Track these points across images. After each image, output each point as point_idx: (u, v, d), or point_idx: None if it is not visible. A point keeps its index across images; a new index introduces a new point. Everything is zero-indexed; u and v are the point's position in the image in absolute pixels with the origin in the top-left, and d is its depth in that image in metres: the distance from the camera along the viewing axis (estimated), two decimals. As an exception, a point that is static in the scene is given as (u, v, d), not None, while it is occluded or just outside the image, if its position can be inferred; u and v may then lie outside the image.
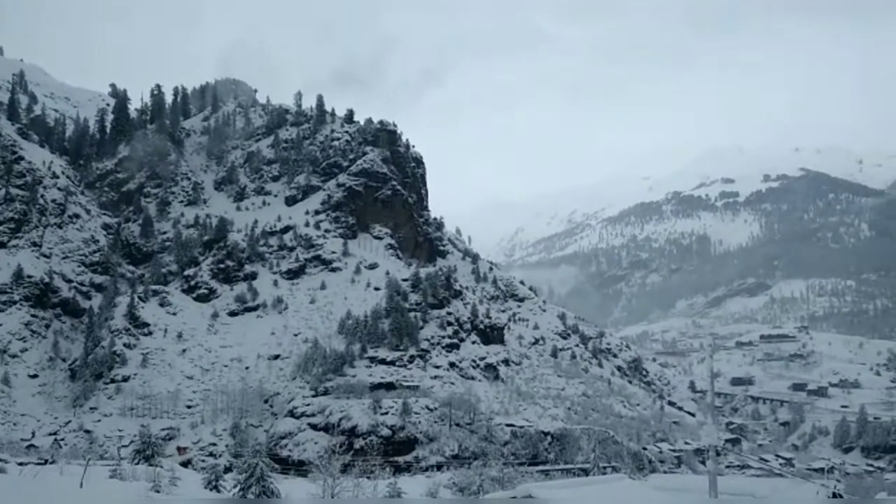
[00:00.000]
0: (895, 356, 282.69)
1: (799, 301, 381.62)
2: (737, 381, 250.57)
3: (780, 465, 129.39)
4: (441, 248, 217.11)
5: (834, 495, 50.68)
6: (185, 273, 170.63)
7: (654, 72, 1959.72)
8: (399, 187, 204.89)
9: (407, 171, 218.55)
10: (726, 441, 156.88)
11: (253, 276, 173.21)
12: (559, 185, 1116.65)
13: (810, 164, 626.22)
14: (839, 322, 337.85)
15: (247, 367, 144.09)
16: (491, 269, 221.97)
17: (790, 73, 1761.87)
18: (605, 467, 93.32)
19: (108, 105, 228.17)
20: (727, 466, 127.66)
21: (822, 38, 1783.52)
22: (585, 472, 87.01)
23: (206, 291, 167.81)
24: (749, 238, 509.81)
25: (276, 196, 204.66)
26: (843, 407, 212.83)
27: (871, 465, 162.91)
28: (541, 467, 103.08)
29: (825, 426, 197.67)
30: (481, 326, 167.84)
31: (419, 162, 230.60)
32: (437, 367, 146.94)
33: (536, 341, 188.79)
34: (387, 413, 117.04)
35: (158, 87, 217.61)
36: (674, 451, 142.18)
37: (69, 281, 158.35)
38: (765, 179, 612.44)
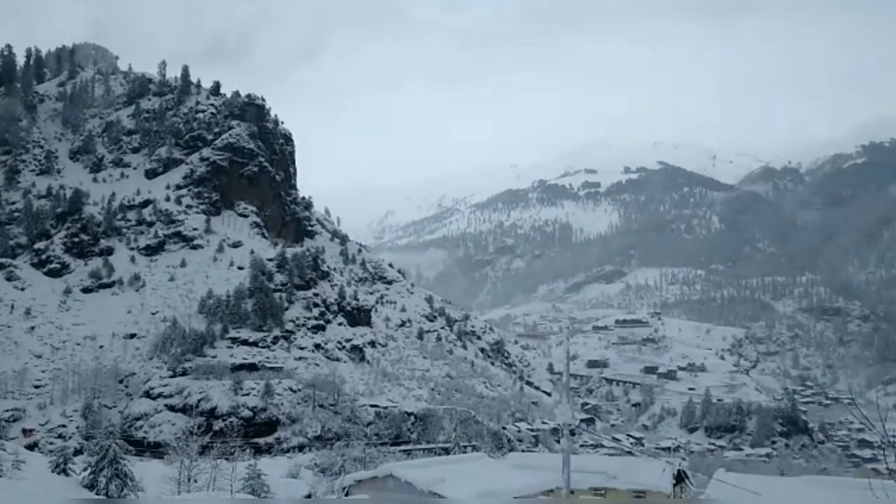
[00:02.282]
0: (738, 342, 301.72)
1: (653, 288, 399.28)
2: (592, 364, 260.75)
3: (631, 444, 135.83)
4: (309, 228, 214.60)
5: (678, 472, 53.78)
6: (36, 246, 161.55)
7: (525, 65, 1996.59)
8: (266, 164, 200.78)
9: (275, 147, 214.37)
10: (581, 421, 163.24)
11: (109, 251, 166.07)
12: (430, 170, 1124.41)
13: (668, 158, 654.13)
14: (689, 309, 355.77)
15: (101, 346, 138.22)
16: (360, 251, 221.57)
17: (652, 70, 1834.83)
18: (465, 446, 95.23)
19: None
20: (581, 445, 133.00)
21: (683, 40, 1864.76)
22: (447, 452, 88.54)
23: (58, 266, 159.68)
24: (608, 227, 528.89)
25: (135, 168, 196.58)
26: (690, 389, 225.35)
27: (714, 444, 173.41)
28: (403, 447, 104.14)
29: (673, 407, 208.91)
30: (348, 308, 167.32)
31: (288, 139, 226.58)
32: (302, 348, 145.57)
33: (403, 323, 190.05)
34: (248, 394, 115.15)
35: (9, 47, 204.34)
36: (532, 430, 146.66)
37: None
38: (625, 171, 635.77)
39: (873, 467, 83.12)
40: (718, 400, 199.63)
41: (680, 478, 55.01)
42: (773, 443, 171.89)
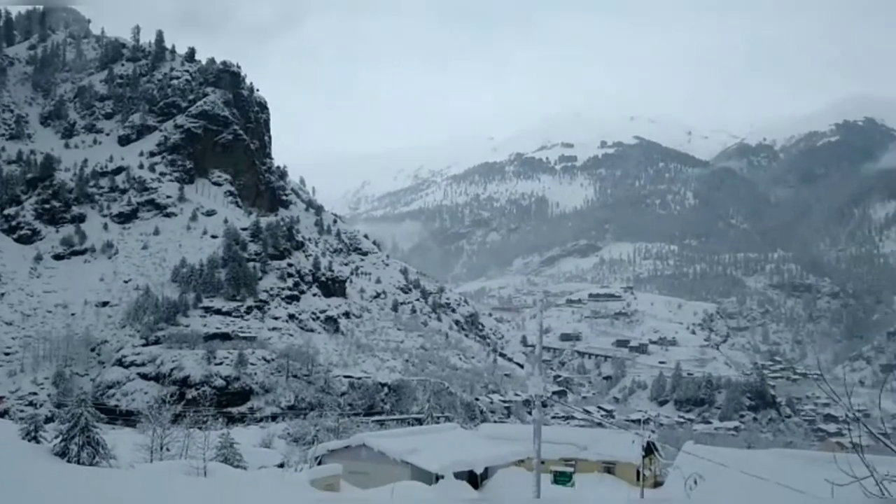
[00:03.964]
0: (710, 317, 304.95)
1: (626, 263, 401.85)
2: (565, 337, 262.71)
3: (602, 416, 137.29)
4: (284, 197, 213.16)
5: (648, 444, 54.48)
6: (6, 212, 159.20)
7: (503, 38, 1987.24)
8: (241, 132, 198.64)
9: (250, 115, 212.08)
10: (553, 393, 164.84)
11: (81, 218, 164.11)
12: (407, 141, 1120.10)
13: (644, 133, 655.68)
14: (661, 284, 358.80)
15: (73, 314, 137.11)
16: (335, 221, 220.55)
17: (630, 45, 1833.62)
18: (438, 417, 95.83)
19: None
20: (553, 417, 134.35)
21: (661, 16, 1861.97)
22: (420, 422, 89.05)
23: (28, 233, 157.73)
24: (584, 201, 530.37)
25: (108, 135, 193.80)
26: (660, 363, 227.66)
27: (683, 417, 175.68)
28: (377, 417, 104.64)
29: (644, 380, 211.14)
30: (323, 279, 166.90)
31: (263, 107, 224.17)
32: (276, 318, 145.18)
33: (378, 295, 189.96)
34: (221, 364, 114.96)
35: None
36: (504, 401, 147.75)
37: None
38: (601, 146, 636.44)
39: (838, 441, 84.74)
40: (688, 374, 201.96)
41: (649, 450, 55.75)
42: (742, 416, 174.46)
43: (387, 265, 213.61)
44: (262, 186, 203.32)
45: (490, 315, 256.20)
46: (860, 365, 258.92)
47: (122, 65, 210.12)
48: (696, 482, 17.33)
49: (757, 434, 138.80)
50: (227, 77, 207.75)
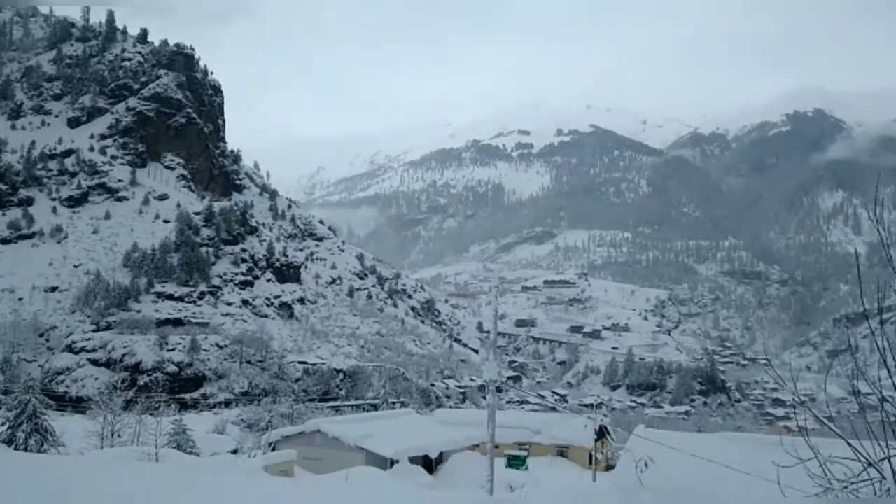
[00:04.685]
0: (662, 303, 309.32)
1: (581, 250, 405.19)
2: (521, 323, 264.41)
3: (556, 400, 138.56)
4: (238, 182, 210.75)
5: (600, 428, 55.22)
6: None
7: (460, 23, 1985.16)
8: (194, 115, 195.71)
9: (203, 99, 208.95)
10: (508, 378, 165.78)
11: (29, 201, 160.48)
12: (364, 126, 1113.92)
13: (600, 122, 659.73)
14: (615, 271, 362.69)
15: (20, 299, 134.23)
16: (290, 206, 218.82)
17: (587, 33, 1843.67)
18: (394, 403, 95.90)
19: None
20: (508, 402, 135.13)
21: (617, 4, 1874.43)
22: (375, 408, 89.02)
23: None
24: (540, 188, 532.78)
25: (57, 116, 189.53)
26: (613, 348, 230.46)
27: (635, 402, 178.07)
28: (331, 403, 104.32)
29: (597, 366, 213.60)
30: (277, 264, 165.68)
31: (217, 90, 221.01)
32: (230, 304, 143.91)
33: (333, 281, 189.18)
34: (174, 349, 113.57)
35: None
36: (460, 387, 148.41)
37: None
38: (558, 133, 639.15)
39: (785, 425, 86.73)
40: (640, 359, 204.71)
41: (601, 433, 56.58)
42: (692, 401, 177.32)
43: (342, 251, 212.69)
44: (215, 171, 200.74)
45: (446, 301, 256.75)
46: (807, 351, 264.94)
47: (72, 45, 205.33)
48: (646, 465, 17.56)
49: (707, 418, 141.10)
50: (181, 59, 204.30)
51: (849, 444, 5.79)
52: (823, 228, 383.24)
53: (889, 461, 5.44)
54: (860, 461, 5.65)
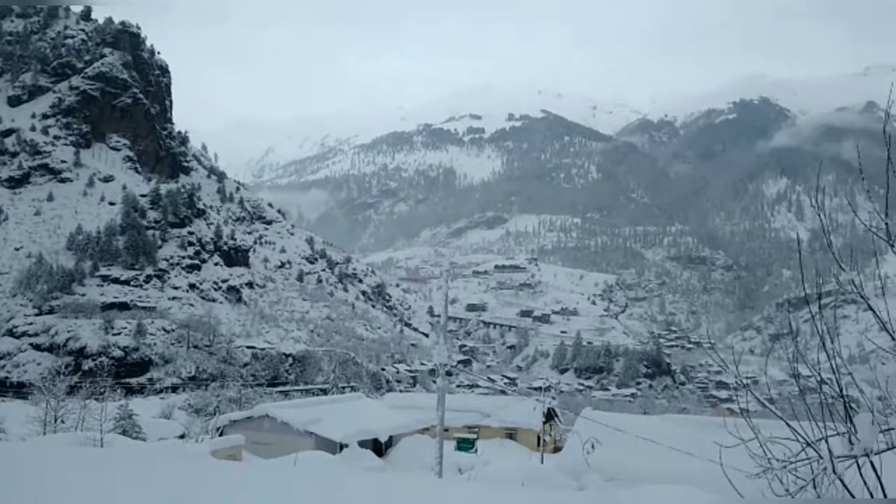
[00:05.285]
0: (610, 288, 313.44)
1: (531, 235, 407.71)
2: (471, 308, 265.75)
3: (505, 384, 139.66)
4: (185, 163, 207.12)
5: (548, 410, 55.84)
6: None
7: (411, 6, 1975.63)
8: (140, 96, 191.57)
9: (150, 79, 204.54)
10: (459, 362, 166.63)
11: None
12: (314, 108, 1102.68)
13: (551, 107, 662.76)
14: (565, 256, 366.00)
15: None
16: (238, 189, 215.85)
17: (538, 18, 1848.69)
18: (343, 387, 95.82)
19: None
20: (458, 386, 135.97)
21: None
22: (325, 392, 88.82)
23: None
24: (491, 173, 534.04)
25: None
26: (562, 332, 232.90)
27: (583, 385, 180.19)
28: (280, 388, 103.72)
29: (546, 349, 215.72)
30: (225, 248, 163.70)
31: (164, 70, 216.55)
32: (176, 288, 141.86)
33: (283, 265, 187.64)
34: (119, 334, 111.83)
35: None
36: (410, 371, 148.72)
37: None
38: (509, 118, 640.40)
39: (728, 407, 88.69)
40: (588, 343, 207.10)
41: (550, 416, 57.30)
42: (638, 384, 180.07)
43: (292, 234, 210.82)
44: (162, 152, 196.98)
45: (397, 286, 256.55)
46: (751, 334, 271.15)
47: (12, 21, 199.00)
48: (593, 447, 17.84)
49: (652, 400, 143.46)
50: (126, 38, 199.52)
51: (788, 425, 5.95)
52: (767, 215, 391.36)
53: (826, 441, 5.60)
54: (799, 441, 5.80)
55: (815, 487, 5.49)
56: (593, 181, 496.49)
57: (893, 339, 5.68)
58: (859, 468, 5.52)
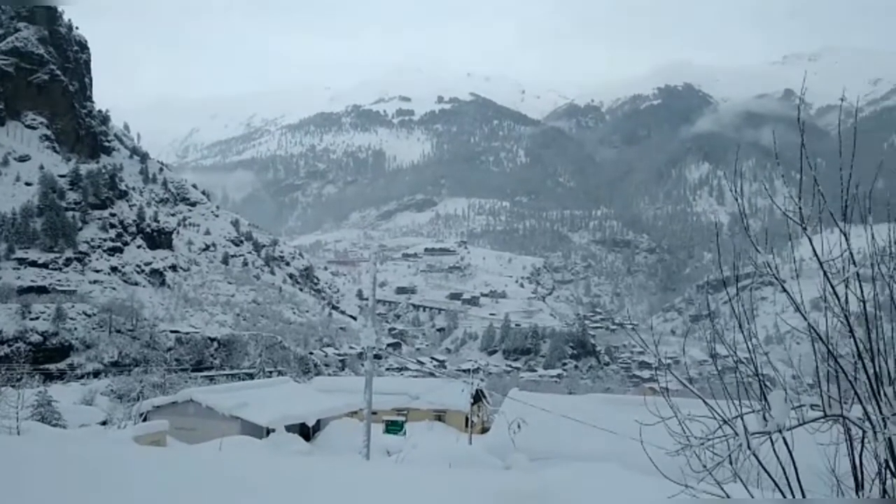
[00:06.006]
0: (537, 271, 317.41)
1: (461, 218, 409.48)
2: (401, 290, 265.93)
3: (434, 366, 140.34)
4: (106, 143, 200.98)
5: (477, 392, 56.35)
6: None
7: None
8: (58, 72, 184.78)
9: (68, 55, 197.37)
10: (388, 345, 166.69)
11: None
12: (239, 87, 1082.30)
13: (480, 91, 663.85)
14: (493, 239, 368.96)
15: None
16: (161, 169, 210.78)
17: (469, 3, 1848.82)
18: (270, 371, 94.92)
19: None
20: (387, 369, 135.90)
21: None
22: (251, 377, 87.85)
23: None
24: (421, 156, 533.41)
25: None
26: (491, 315, 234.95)
27: (510, 366, 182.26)
28: (206, 373, 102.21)
29: (475, 332, 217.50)
30: (148, 230, 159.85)
31: (83, 46, 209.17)
32: (98, 271, 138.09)
33: (207, 247, 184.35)
34: (38, 318, 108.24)
35: None
36: (339, 355, 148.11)
37: None
38: (438, 101, 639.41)
39: (651, 386, 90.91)
40: (516, 325, 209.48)
41: (478, 397, 57.83)
42: (564, 365, 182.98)
43: (217, 216, 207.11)
44: (81, 131, 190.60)
45: (326, 269, 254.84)
46: (672, 316, 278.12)
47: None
48: (519, 426, 18.11)
49: (578, 381, 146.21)
50: (42, 12, 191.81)
51: (706, 403, 6.12)
52: (690, 199, 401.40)
53: (742, 418, 5.78)
54: (716, 419, 5.98)
55: (731, 463, 5.66)
56: (522, 165, 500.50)
57: (806, 319, 5.89)
58: (773, 444, 5.72)
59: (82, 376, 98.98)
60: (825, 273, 5.82)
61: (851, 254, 5.86)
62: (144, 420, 38.84)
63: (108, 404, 62.26)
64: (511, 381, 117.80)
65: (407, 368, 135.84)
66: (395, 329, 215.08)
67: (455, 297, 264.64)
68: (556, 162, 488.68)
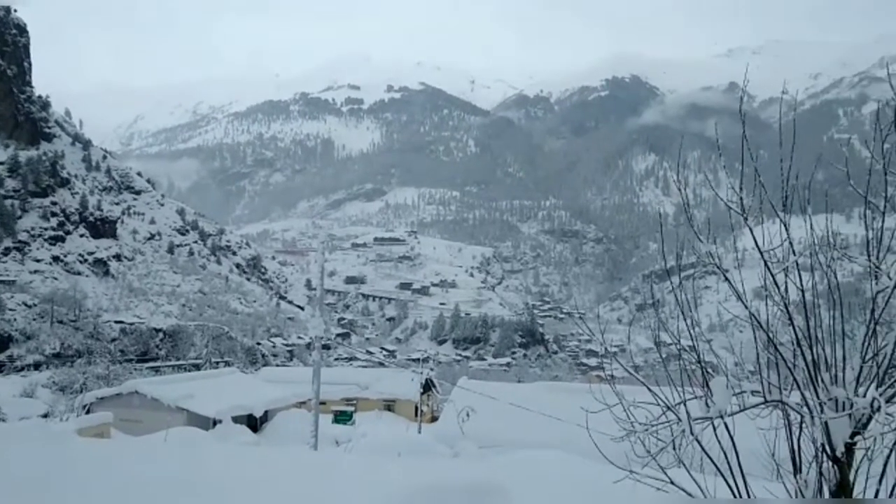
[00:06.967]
0: (487, 260, 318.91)
1: (410, 207, 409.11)
2: (350, 280, 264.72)
3: (384, 356, 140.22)
4: (46, 130, 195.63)
5: (426, 381, 56.45)
6: None
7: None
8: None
9: (6, 38, 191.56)
10: (337, 335, 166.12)
11: None
12: (185, 74, 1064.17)
13: (430, 80, 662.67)
14: (443, 228, 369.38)
15: None
16: (105, 157, 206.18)
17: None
18: (217, 362, 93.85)
19: None
20: (336, 359, 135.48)
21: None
22: (197, 368, 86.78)
23: None
24: (370, 145, 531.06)
25: None
26: (441, 304, 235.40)
27: (460, 355, 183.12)
28: (151, 364, 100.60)
29: (425, 321, 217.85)
30: (91, 219, 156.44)
31: (22, 29, 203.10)
32: (38, 261, 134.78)
33: (152, 236, 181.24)
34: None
35: None
36: (287, 345, 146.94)
37: None
38: (388, 90, 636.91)
39: (598, 374, 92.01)
40: (466, 314, 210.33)
41: (427, 386, 57.95)
42: (513, 353, 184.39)
43: (162, 205, 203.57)
44: (20, 117, 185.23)
45: (273, 258, 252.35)
46: (619, 304, 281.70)
47: None
48: (468, 415, 18.20)
49: (527, 369, 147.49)
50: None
51: (650, 390, 6.23)
52: (636, 190, 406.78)
53: (685, 405, 5.90)
54: (660, 406, 6.09)
55: (674, 448, 5.77)
56: (471, 155, 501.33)
57: (747, 308, 6.01)
58: (714, 429, 5.84)
59: (22, 368, 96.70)
60: (766, 262, 5.95)
61: (791, 243, 6.00)
62: (88, 412, 38.21)
63: (50, 396, 61.08)
64: (461, 370, 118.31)
65: (356, 358, 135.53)
66: (344, 319, 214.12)
67: (405, 286, 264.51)
68: (506, 152, 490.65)
